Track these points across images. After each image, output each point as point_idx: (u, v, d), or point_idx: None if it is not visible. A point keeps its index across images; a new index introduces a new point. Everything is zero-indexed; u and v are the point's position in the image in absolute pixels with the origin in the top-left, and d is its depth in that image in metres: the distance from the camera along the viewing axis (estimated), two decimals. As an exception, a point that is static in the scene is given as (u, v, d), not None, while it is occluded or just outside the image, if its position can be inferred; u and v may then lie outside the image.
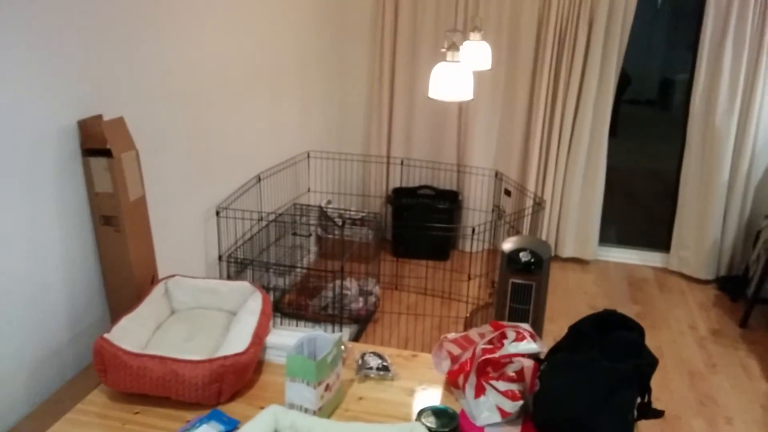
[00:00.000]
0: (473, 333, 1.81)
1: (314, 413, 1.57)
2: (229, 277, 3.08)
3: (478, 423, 1.59)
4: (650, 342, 2.87)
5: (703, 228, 4.34)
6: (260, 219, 3.42)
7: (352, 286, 3.67)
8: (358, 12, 4.65)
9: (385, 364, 1.85)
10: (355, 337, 3.46)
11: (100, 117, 2.04)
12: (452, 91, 2.43)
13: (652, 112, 5.22)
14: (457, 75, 2.43)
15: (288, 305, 3.56)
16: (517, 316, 2.71)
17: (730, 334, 3.76)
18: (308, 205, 4.08)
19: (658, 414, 1.55)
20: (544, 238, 4.65)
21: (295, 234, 3.91)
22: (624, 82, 4.61)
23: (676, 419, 2.98)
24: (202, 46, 2.74)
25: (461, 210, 4.76)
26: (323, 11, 4.23)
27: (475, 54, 3.29)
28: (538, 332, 2.76)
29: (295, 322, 3.43)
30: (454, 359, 1.79)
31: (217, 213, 3.00)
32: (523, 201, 4.56)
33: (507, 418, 1.58)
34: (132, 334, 1.81)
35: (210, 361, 1.66)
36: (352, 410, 1.69)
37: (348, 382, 1.80)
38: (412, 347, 3.40)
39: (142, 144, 2.29)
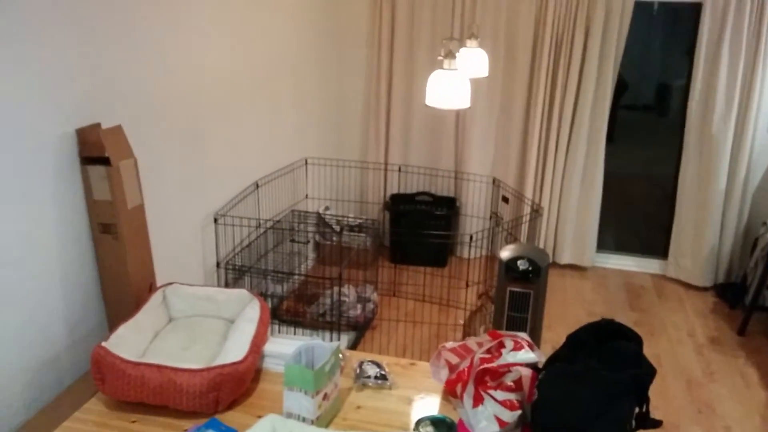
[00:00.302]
0: (471, 342, 1.81)
1: (312, 422, 1.57)
2: (226, 284, 3.08)
3: (477, 432, 1.59)
4: (648, 349, 2.87)
5: (701, 235, 4.35)
6: (258, 226, 3.42)
7: (350, 292, 3.67)
8: (355, 20, 4.66)
9: (383, 372, 1.85)
10: (353, 344, 3.46)
11: (98, 125, 2.04)
12: (449, 98, 2.44)
13: (650, 117, 5.21)
14: (455, 83, 2.43)
15: (286, 312, 3.56)
16: (515, 324, 2.71)
17: (729, 341, 3.76)
18: (306, 212, 4.08)
19: (656, 424, 1.55)
20: (541, 244, 4.66)
21: (293, 241, 3.91)
22: (621, 87, 4.62)
23: (674, 428, 2.98)
24: (200, 55, 2.74)
25: (459, 216, 4.76)
26: (320, 19, 4.24)
27: (472, 61, 3.30)
28: (536, 340, 2.76)
29: (293, 330, 3.42)
30: (452, 368, 1.79)
31: (215, 220, 3.00)
32: (520, 208, 4.57)
33: (505, 427, 1.58)
34: (130, 342, 1.81)
35: (208, 369, 1.66)
36: (350, 419, 1.68)
37: (346, 391, 1.80)
38: (410, 355, 3.40)
39: (141, 152, 2.29)
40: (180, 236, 2.70)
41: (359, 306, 3.62)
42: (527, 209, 4.46)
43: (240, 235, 3.23)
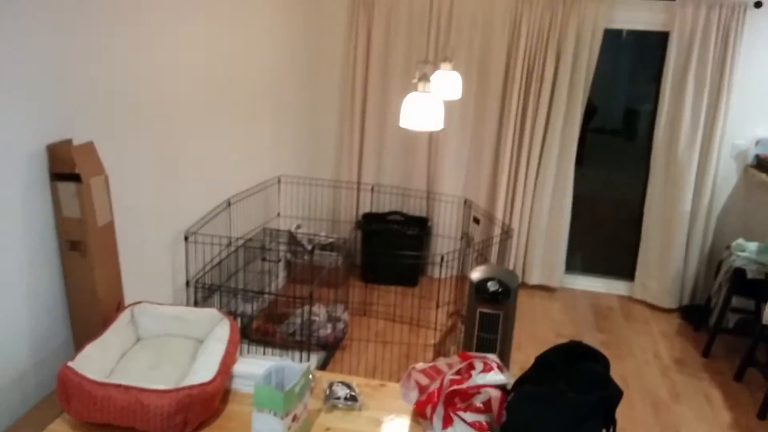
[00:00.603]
0: (441, 363, 1.82)
1: (281, 444, 1.56)
2: (196, 303, 3.05)
3: (446, 454, 1.59)
4: (615, 371, 2.90)
5: (667, 257, 4.43)
6: (229, 244, 3.40)
7: (320, 312, 3.66)
8: (331, 39, 4.69)
9: (353, 393, 1.85)
10: (323, 364, 3.44)
11: (69, 141, 2.03)
12: (423, 121, 2.46)
13: (617, 141, 5.31)
14: (428, 106, 2.46)
15: (255, 331, 3.53)
16: (485, 345, 2.72)
17: (693, 363, 3.82)
18: (278, 230, 4.07)
19: (623, 446, 1.57)
20: (511, 265, 4.70)
21: (264, 259, 3.89)
22: (590, 111, 4.71)
23: (640, 448, 3.01)
24: (174, 72, 2.74)
25: (430, 236, 4.79)
26: (297, 39, 4.26)
27: (446, 83, 3.34)
28: (505, 361, 2.78)
29: (262, 349, 3.40)
30: (422, 389, 1.79)
31: (186, 238, 2.98)
32: (491, 228, 4.61)
33: (474, 449, 1.59)
34: (96, 362, 1.78)
35: (176, 390, 1.64)
36: (320, 441, 1.68)
37: (315, 412, 1.79)
38: (380, 375, 3.40)
39: (112, 169, 2.27)
40: (150, 254, 2.68)
41: (329, 325, 3.61)
42: (498, 230, 4.50)
43: (210, 253, 3.21)
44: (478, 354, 1.78)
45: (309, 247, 4.23)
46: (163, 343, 2.02)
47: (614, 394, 1.55)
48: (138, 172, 2.51)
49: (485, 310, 2.71)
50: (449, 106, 4.53)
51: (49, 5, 1.91)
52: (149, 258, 2.67)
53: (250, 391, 1.84)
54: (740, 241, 3.91)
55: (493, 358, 1.75)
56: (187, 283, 3.03)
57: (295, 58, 4.29)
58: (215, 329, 2.00)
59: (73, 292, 2.07)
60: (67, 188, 1.96)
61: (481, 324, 2.72)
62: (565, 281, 4.81)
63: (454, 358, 1.81)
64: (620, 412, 2.77)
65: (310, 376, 1.86)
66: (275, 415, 1.55)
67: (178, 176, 2.85)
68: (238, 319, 3.34)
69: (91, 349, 1.81)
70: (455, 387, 1.64)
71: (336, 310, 3.74)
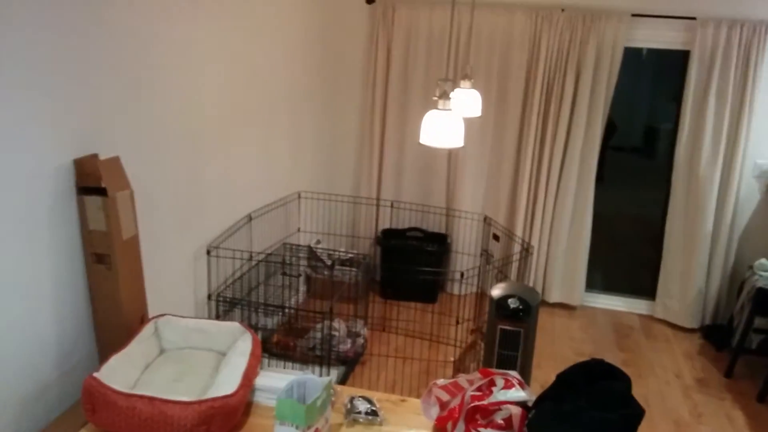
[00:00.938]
0: (462, 379, 1.82)
1: (303, 458, 1.57)
2: (217, 317, 3.08)
3: (466, 470, 1.59)
4: (636, 390, 2.88)
5: (688, 277, 4.39)
6: (250, 258, 3.43)
7: (340, 327, 3.66)
8: (351, 57, 4.74)
9: (373, 408, 1.85)
10: (343, 379, 3.44)
11: (95, 156, 2.07)
12: (443, 138, 2.48)
13: (638, 159, 5.30)
14: (449, 123, 2.48)
15: (276, 345, 3.55)
16: (506, 362, 2.72)
17: (716, 383, 3.77)
18: (298, 245, 4.09)
19: (645, 464, 1.56)
20: (531, 282, 4.68)
21: (284, 274, 3.91)
22: (610, 129, 4.70)
23: (661, 469, 2.98)
24: (199, 89, 2.78)
25: (450, 253, 4.79)
26: (317, 57, 4.31)
27: (465, 101, 3.36)
28: (525, 378, 2.76)
29: (282, 363, 3.41)
30: (443, 405, 1.79)
31: (208, 252, 3.01)
32: (510, 246, 4.60)
33: (495, 466, 1.59)
34: (121, 373, 1.81)
35: (199, 402, 1.66)
36: (340, 455, 1.68)
37: (336, 426, 1.80)
38: (400, 390, 3.39)
39: (137, 183, 2.31)
40: (173, 267, 2.71)
41: (349, 340, 3.62)
42: (518, 248, 4.49)
43: (232, 268, 3.24)
44: (498, 370, 1.78)
45: (329, 263, 4.25)
46: (186, 356, 2.05)
47: (636, 413, 1.55)
48: (162, 186, 2.55)
49: (506, 327, 2.71)
50: (468, 123, 4.54)
51: (78, 25, 1.96)
52: (172, 271, 2.71)
53: (272, 405, 1.86)
54: (763, 260, 3.87)
55: (514, 374, 1.75)
56: (209, 297, 3.06)
57: (316, 74, 4.33)
58: (237, 342, 2.02)
59: (98, 304, 2.10)
60: (93, 202, 1.99)
61: (501, 341, 2.71)
62: (586, 299, 4.78)
63: (475, 375, 1.81)
64: (641, 432, 2.74)
65: (332, 390, 1.87)
66: (297, 428, 1.56)
67: (200, 191, 2.89)
68: (259, 333, 3.36)
69: (115, 361, 1.83)
70: (476, 403, 1.64)
71: (355, 326, 3.75)
